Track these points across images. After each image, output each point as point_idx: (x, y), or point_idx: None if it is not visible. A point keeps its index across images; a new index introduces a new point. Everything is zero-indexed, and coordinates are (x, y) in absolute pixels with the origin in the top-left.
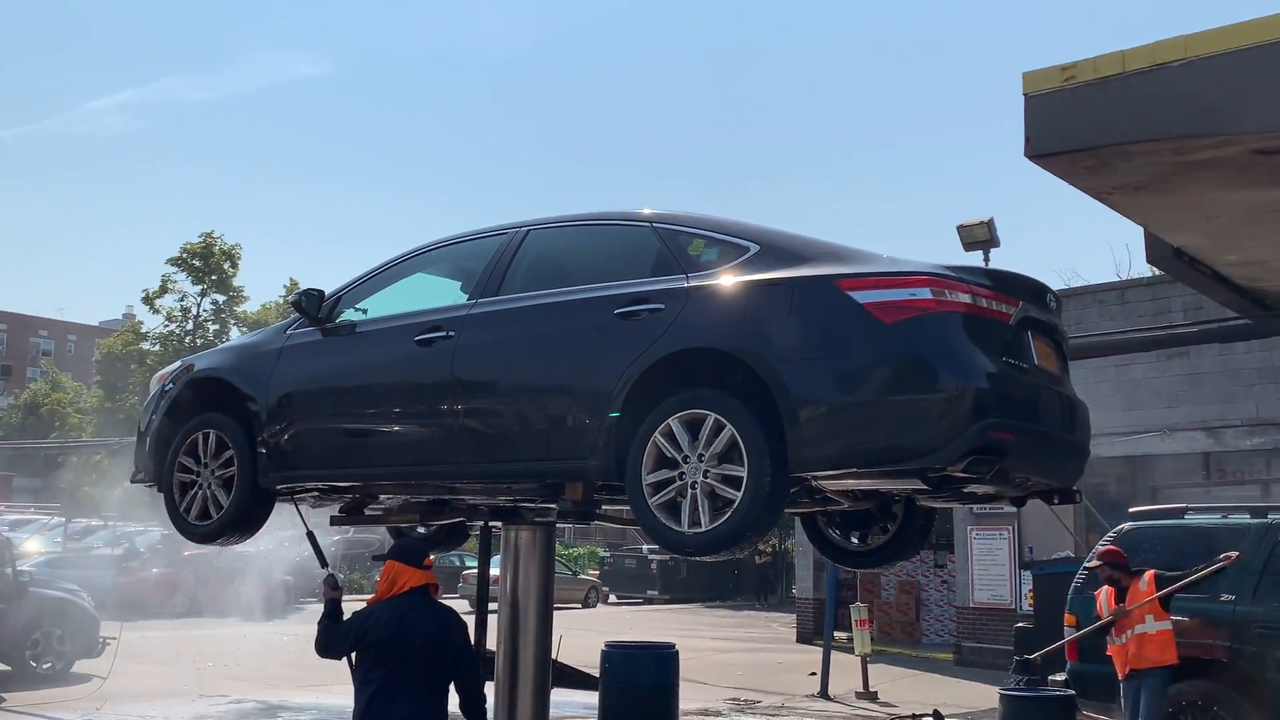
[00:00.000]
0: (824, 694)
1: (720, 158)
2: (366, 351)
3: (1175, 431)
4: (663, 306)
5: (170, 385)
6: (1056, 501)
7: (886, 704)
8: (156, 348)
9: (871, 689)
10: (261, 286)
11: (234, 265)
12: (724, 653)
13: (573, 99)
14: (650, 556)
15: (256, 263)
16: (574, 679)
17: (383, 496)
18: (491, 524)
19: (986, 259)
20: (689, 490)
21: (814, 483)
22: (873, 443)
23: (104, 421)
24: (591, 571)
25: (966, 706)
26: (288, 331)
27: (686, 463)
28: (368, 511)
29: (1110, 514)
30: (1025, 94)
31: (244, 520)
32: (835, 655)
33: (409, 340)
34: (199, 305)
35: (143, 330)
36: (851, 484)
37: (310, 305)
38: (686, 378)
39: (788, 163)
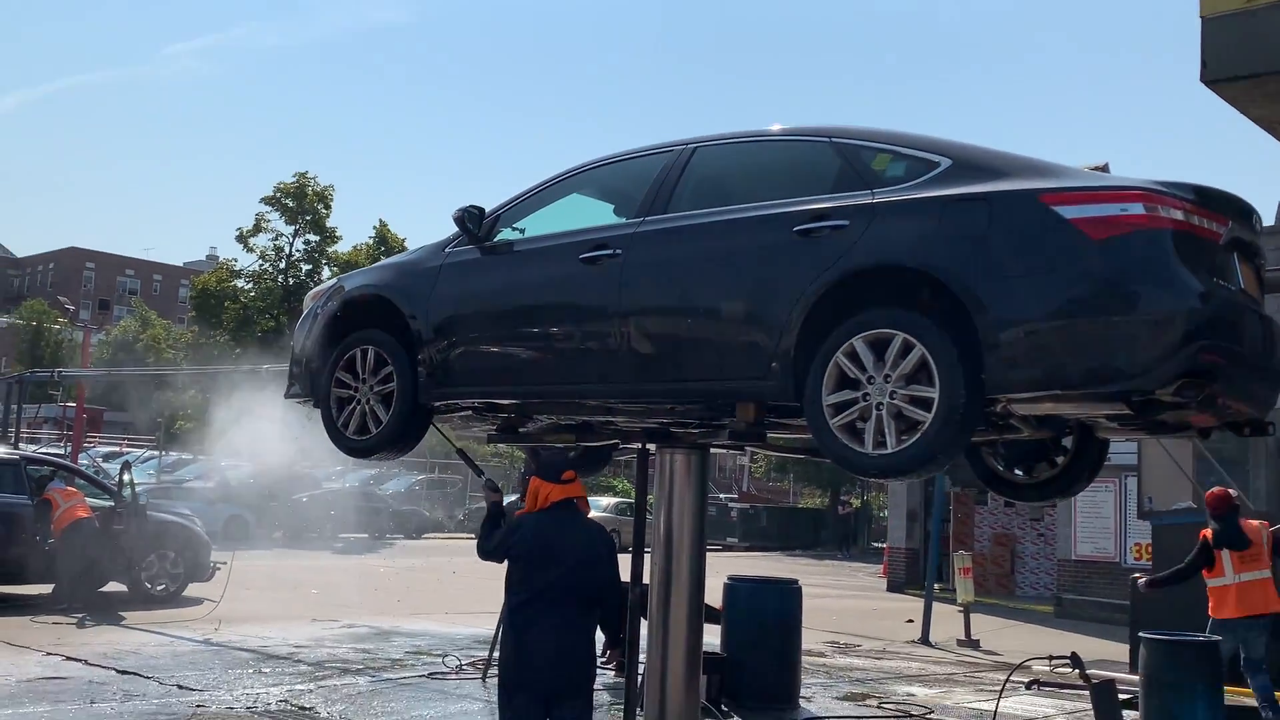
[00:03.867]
0: (925, 640)
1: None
2: (530, 270)
3: None
4: (847, 223)
5: (326, 303)
6: (1247, 432)
7: (990, 651)
8: (250, 286)
9: (973, 637)
10: (349, 228)
11: (327, 206)
12: (817, 598)
13: (663, 33)
14: (730, 505)
15: (342, 204)
16: None
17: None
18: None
19: None
20: (873, 411)
21: (1005, 406)
22: (1079, 364)
23: (198, 357)
24: None
25: None
26: (446, 250)
27: (871, 383)
28: (521, 431)
29: (1225, 464)
30: (1203, 16)
31: (403, 435)
32: (933, 604)
33: (573, 259)
34: (291, 245)
35: (236, 268)
36: (1049, 408)
37: (473, 223)
38: (870, 296)
39: (880, 85)
